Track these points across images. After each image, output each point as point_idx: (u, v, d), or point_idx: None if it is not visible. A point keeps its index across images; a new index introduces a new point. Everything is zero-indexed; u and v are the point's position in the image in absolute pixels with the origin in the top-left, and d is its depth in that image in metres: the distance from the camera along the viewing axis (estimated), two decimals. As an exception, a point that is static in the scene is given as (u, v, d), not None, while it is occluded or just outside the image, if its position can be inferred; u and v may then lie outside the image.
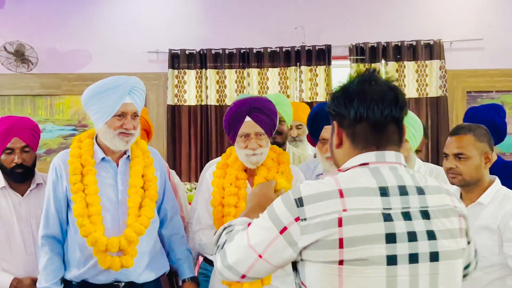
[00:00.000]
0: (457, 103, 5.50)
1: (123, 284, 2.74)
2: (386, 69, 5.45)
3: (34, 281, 2.97)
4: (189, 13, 5.70)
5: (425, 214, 1.58)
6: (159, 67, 5.63)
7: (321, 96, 5.47)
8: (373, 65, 5.44)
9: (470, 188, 2.65)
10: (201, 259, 3.29)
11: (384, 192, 1.56)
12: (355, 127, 1.64)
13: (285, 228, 1.55)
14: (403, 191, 1.58)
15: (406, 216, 1.56)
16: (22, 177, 3.09)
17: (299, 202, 1.55)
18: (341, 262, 1.51)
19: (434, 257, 1.56)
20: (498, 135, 3.32)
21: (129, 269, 2.70)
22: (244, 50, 5.55)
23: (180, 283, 2.98)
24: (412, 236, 1.54)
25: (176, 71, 5.56)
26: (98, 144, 2.80)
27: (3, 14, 5.59)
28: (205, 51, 5.54)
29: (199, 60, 5.56)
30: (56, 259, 2.75)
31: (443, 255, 1.57)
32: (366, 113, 1.61)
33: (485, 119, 3.25)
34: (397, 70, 5.48)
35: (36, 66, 5.47)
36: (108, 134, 2.70)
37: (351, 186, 1.56)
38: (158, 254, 2.87)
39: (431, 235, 1.56)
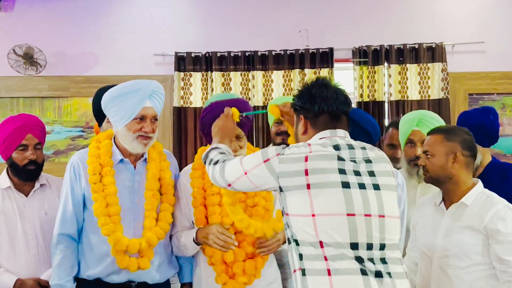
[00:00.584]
0: (459, 105, 5.54)
1: (135, 284, 2.78)
2: (389, 71, 5.51)
3: (37, 281, 3.00)
4: (195, 16, 5.76)
5: (368, 161, 2.19)
6: (165, 69, 5.66)
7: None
8: (375, 67, 5.50)
9: (445, 189, 2.70)
10: None
11: (337, 147, 2.17)
12: (317, 118, 2.26)
13: (268, 159, 2.19)
14: (350, 147, 2.19)
15: (354, 161, 2.16)
16: (33, 174, 3.10)
17: (284, 147, 2.20)
18: (308, 186, 2.09)
19: (376, 187, 2.15)
20: (489, 137, 3.36)
21: (144, 270, 2.74)
22: (249, 53, 5.59)
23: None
24: (357, 173, 2.14)
25: (182, 74, 5.60)
26: (116, 146, 2.82)
27: (12, 18, 5.64)
28: (210, 54, 5.58)
29: (205, 62, 5.60)
30: (71, 257, 2.77)
31: (382, 187, 2.16)
32: (326, 107, 2.25)
33: (475, 122, 3.30)
34: (399, 73, 5.53)
35: (45, 69, 5.51)
36: (127, 137, 2.74)
37: (315, 143, 2.18)
38: (170, 256, 2.91)
39: (371, 174, 2.16)
